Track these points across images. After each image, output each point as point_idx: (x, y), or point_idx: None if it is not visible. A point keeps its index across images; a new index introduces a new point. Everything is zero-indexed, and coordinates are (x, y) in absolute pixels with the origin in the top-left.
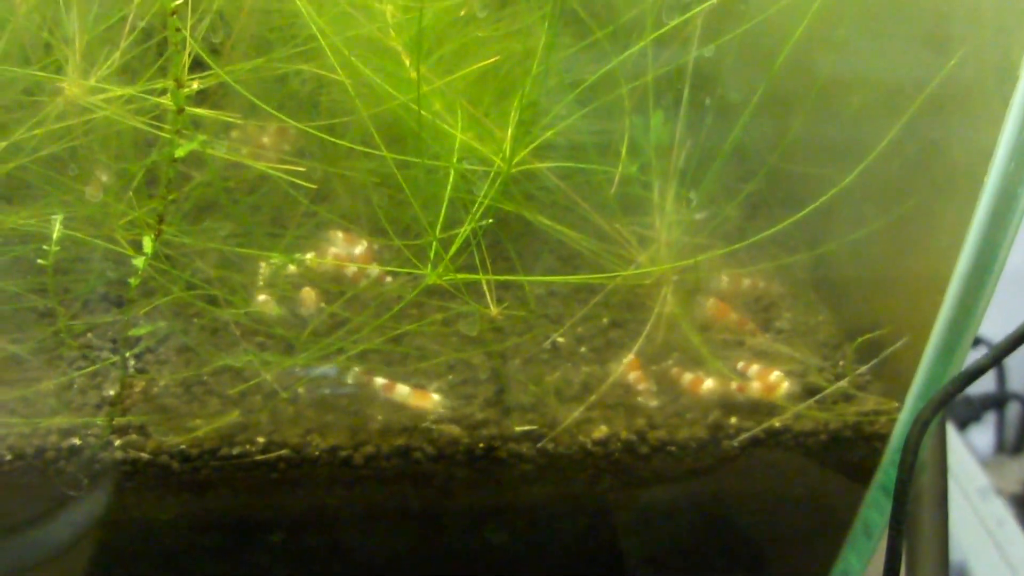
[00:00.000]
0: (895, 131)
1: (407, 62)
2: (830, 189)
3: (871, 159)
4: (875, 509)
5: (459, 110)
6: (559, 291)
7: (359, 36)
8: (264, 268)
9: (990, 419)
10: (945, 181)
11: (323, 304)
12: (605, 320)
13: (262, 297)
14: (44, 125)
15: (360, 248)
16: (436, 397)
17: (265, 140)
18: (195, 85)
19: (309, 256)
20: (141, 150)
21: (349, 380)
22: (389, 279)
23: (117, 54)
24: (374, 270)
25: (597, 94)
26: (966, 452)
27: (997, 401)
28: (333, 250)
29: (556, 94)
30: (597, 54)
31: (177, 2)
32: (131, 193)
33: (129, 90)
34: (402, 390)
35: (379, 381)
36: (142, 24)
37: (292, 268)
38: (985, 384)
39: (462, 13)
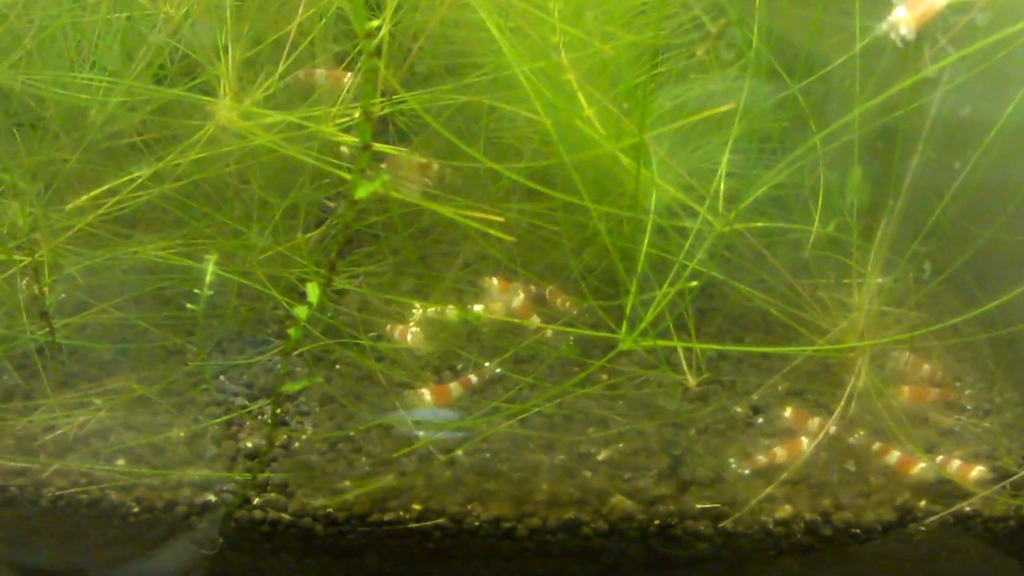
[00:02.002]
0: None
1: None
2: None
3: None
4: None
5: (652, 155)
6: (730, 354)
7: (543, 69)
8: (416, 311)
9: None
10: None
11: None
12: (781, 388)
13: (412, 331)
14: (191, 152)
15: (518, 299)
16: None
17: (432, 171)
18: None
19: (490, 315)
20: (289, 180)
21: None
22: (550, 332)
23: (276, 75)
24: (565, 330)
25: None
26: None
27: None
28: (492, 301)
29: (751, 142)
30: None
31: (373, 22)
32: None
33: (291, 116)
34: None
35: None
36: (306, 42)
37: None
38: None
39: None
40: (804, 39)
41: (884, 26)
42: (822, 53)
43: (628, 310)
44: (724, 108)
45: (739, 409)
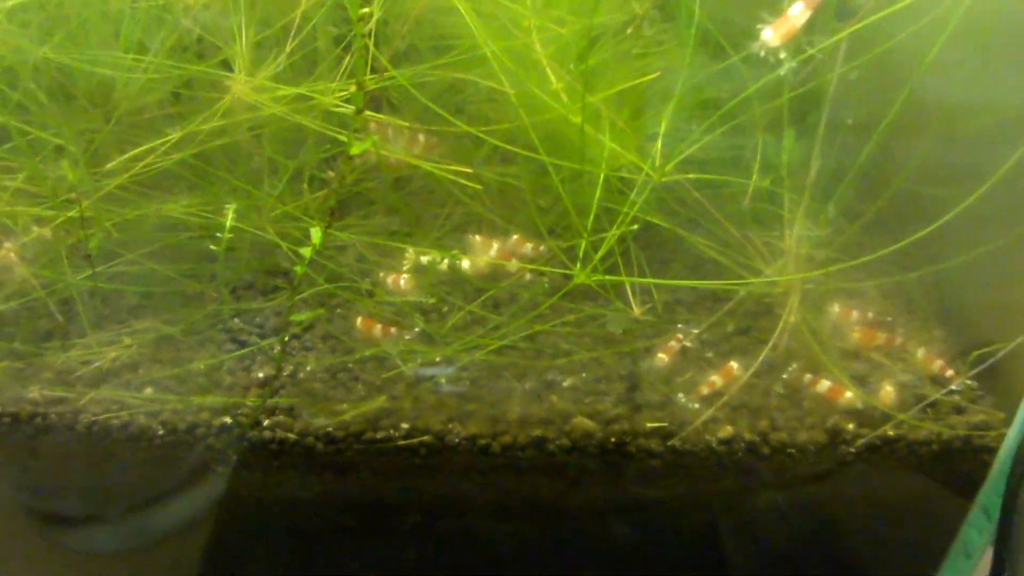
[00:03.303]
0: (1018, 155)
1: (551, 75)
2: (950, 210)
3: (991, 183)
4: (975, 529)
5: (605, 120)
6: (685, 299)
7: (511, 48)
8: (409, 256)
9: None
10: None
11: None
12: (730, 327)
13: (404, 278)
14: (211, 121)
15: (502, 245)
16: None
17: (420, 141)
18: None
19: (466, 263)
20: (294, 147)
21: None
22: (528, 276)
23: (284, 56)
24: (526, 268)
25: (731, 112)
26: None
27: None
28: (477, 249)
29: (693, 110)
30: (732, 74)
31: (364, 10)
32: (281, 191)
33: (295, 89)
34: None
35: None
36: (310, 26)
37: (443, 266)
38: None
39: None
40: (742, 16)
41: (756, 46)
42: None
43: (581, 250)
44: (650, 77)
45: (688, 344)
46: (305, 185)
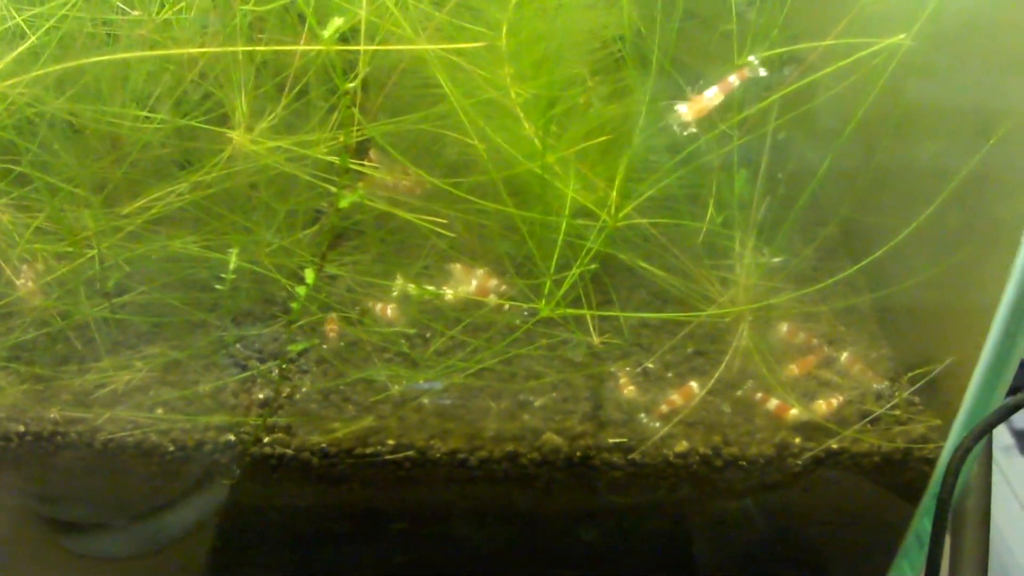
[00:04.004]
0: (952, 185)
1: (525, 124)
2: (894, 236)
3: (927, 215)
4: (928, 519)
5: (571, 167)
6: (651, 323)
7: (484, 101)
8: (396, 288)
9: None
10: (990, 223)
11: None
12: (690, 350)
13: (391, 307)
14: (214, 171)
15: (476, 281)
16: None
17: (402, 183)
18: (352, 140)
19: (448, 292)
20: (291, 190)
21: None
22: (507, 307)
23: (279, 109)
24: (499, 302)
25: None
26: None
27: None
28: (456, 283)
29: (653, 152)
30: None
31: (351, 84)
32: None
33: (288, 141)
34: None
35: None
36: (300, 85)
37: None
38: None
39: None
40: (699, 64)
41: (671, 120)
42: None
43: (546, 288)
44: (603, 139)
45: (651, 365)
46: (299, 226)
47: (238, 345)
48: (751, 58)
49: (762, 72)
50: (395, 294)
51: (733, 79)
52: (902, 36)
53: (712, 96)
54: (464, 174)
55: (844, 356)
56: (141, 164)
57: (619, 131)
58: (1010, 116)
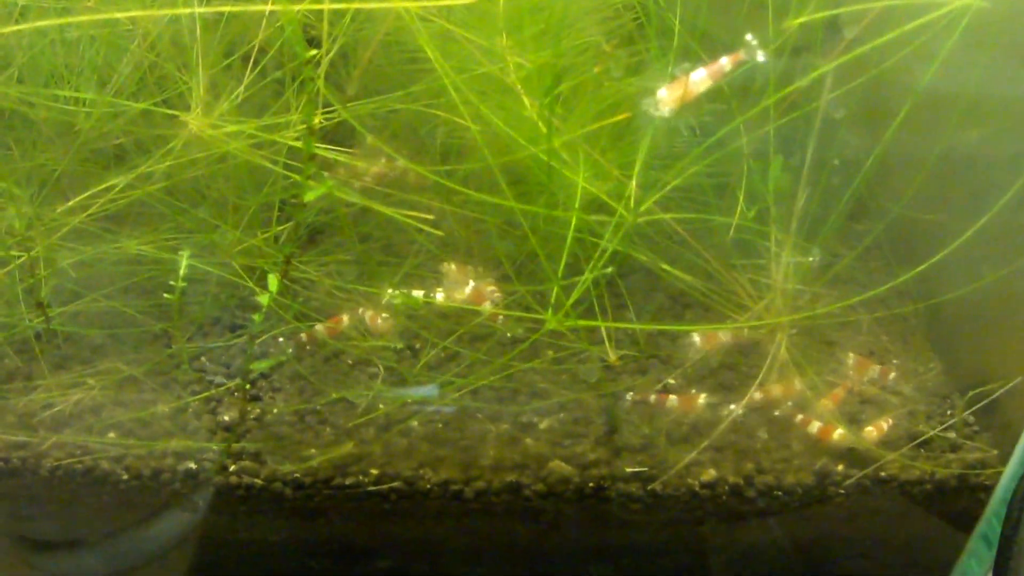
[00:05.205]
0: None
1: (527, 101)
2: (943, 233)
3: (993, 213)
4: (975, 560)
5: (580, 152)
6: (668, 331)
7: (479, 76)
8: (381, 294)
9: None
10: None
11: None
12: (715, 362)
13: (383, 317)
14: (168, 158)
15: (472, 284)
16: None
17: (381, 171)
18: (317, 121)
19: (440, 295)
20: (259, 178)
21: None
22: (501, 318)
23: (241, 88)
24: (494, 312)
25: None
26: None
27: None
28: (450, 285)
29: (676, 136)
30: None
31: (312, 52)
32: (246, 223)
33: (250, 126)
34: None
35: None
36: (266, 59)
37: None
38: None
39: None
40: (728, 38)
41: (649, 103)
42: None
43: (553, 295)
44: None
45: (672, 380)
46: (271, 224)
47: (203, 358)
48: (748, 37)
49: (760, 56)
50: (383, 301)
51: (725, 62)
52: None
53: (699, 80)
54: (459, 161)
55: (892, 375)
56: (82, 154)
57: (635, 111)
58: None
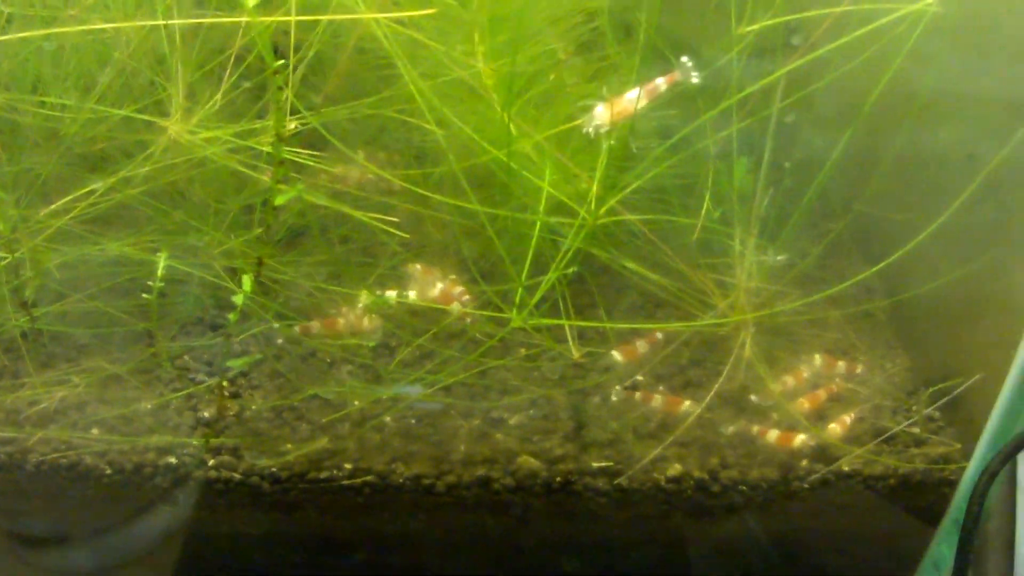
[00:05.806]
0: (983, 174)
1: (496, 105)
2: (906, 229)
3: (951, 211)
4: (946, 544)
5: (546, 156)
6: (639, 330)
7: (455, 80)
8: (363, 298)
9: None
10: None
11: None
12: (684, 359)
13: (371, 317)
14: (148, 163)
15: (441, 284)
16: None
17: (354, 175)
18: (292, 126)
19: (412, 295)
20: (238, 182)
21: None
22: (469, 320)
23: (219, 95)
24: (463, 312)
25: (682, 139)
26: None
27: None
28: (419, 285)
29: (641, 137)
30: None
31: (280, 62)
32: (227, 225)
33: (226, 132)
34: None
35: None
36: (243, 67)
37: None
38: None
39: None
40: (695, 43)
41: (586, 121)
42: (710, 55)
43: (517, 296)
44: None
45: (640, 377)
46: (252, 226)
47: (186, 356)
48: (683, 59)
49: (694, 77)
50: (360, 303)
51: (661, 82)
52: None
53: (633, 98)
54: (434, 165)
55: (859, 370)
56: (67, 158)
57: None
58: None
